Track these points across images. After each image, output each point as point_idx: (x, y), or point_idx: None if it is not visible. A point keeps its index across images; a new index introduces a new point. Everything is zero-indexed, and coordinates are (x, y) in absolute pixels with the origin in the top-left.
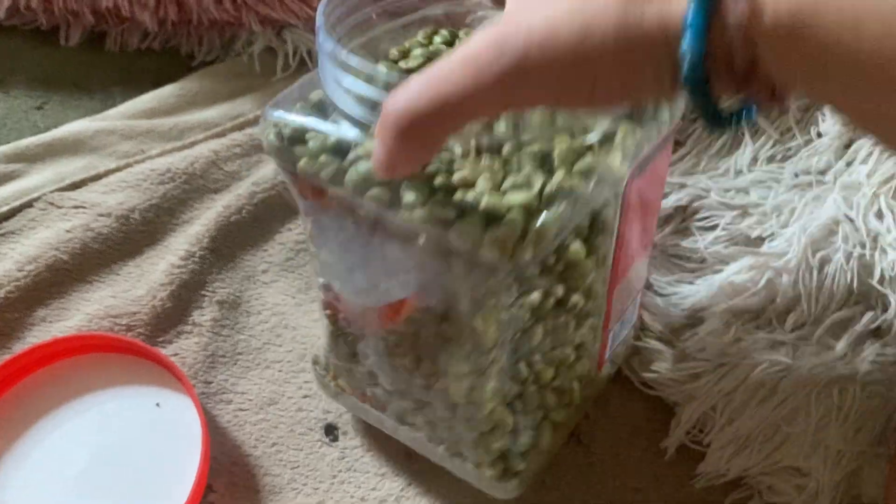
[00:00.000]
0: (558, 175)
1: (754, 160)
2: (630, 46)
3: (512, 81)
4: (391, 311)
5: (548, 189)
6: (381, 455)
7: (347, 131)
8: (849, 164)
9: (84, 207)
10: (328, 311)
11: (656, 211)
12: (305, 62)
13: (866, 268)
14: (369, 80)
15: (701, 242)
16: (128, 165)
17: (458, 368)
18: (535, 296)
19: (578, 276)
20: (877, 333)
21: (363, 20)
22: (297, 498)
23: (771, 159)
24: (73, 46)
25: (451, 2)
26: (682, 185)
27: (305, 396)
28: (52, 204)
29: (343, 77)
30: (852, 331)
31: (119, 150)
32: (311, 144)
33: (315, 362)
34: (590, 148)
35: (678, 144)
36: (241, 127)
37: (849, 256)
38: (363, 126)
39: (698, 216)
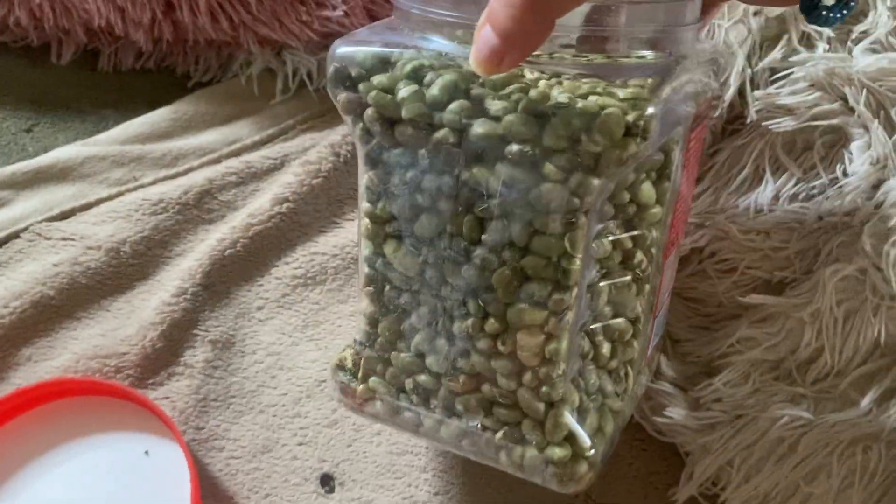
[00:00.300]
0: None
1: (776, 199)
2: None
3: None
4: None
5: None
6: None
7: (434, 45)
8: (878, 206)
9: (73, 239)
10: (372, 287)
11: (691, 195)
12: (305, 84)
13: (894, 320)
14: None
15: (719, 286)
16: (119, 194)
17: (534, 316)
18: (606, 244)
19: (647, 225)
20: None
21: None
22: None
23: (793, 198)
24: (65, 65)
25: None
26: (700, 225)
27: (301, 444)
28: (39, 235)
29: None
30: (878, 386)
31: (110, 177)
32: (385, 74)
33: (340, 366)
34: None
35: (697, 181)
36: (237, 153)
37: (876, 308)
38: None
39: (716, 258)
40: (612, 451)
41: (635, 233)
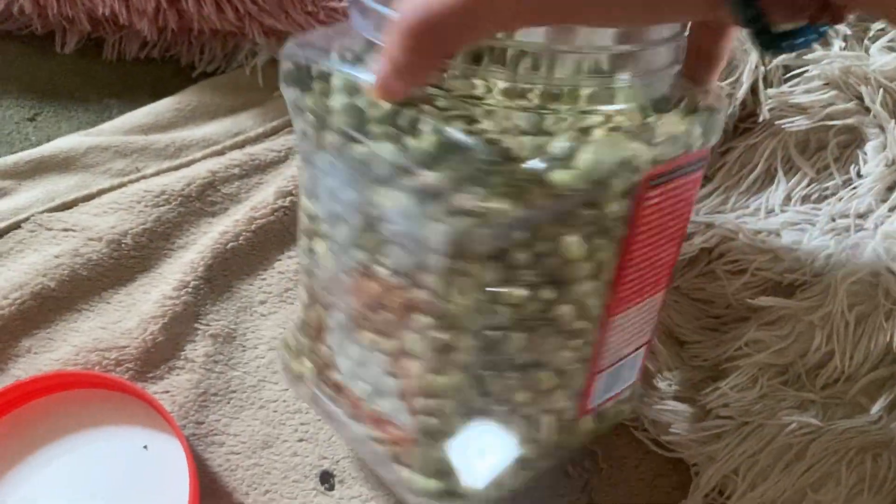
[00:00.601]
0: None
1: (787, 199)
2: None
3: None
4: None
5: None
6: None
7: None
8: (892, 209)
9: (74, 230)
10: (305, 277)
11: (675, 248)
12: None
13: None
14: None
15: (728, 288)
16: (121, 185)
17: (416, 347)
18: (521, 292)
19: (571, 279)
20: None
21: None
22: None
23: (805, 199)
24: (69, 54)
25: None
26: (709, 225)
27: (301, 440)
28: (41, 225)
29: None
30: (889, 392)
31: (113, 168)
32: (324, 81)
33: (286, 344)
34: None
35: (706, 179)
36: (241, 145)
37: (889, 313)
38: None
39: (725, 259)
40: (524, 492)
41: (554, 289)
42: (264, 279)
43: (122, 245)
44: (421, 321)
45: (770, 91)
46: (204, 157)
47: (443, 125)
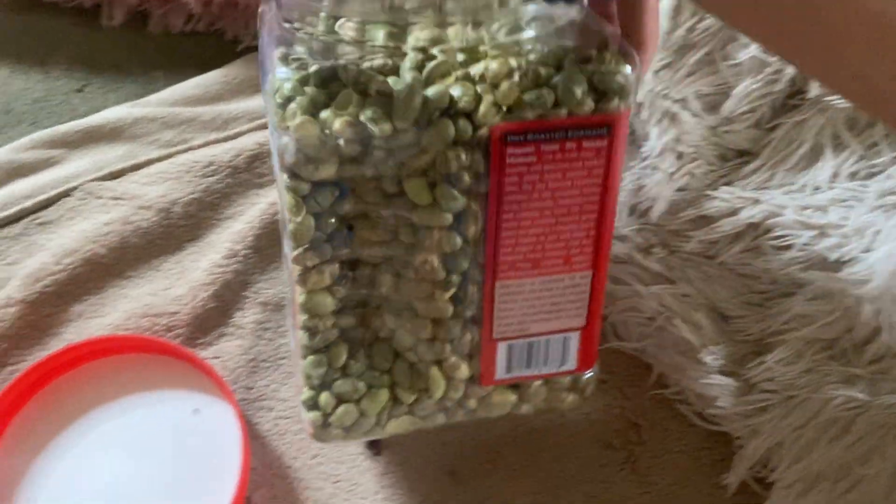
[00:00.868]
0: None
1: (835, 176)
2: None
3: None
4: None
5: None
6: (425, 472)
7: None
8: None
9: (123, 199)
10: None
11: (588, 225)
12: None
13: None
14: None
15: (774, 263)
16: (169, 156)
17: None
18: (380, 231)
19: (425, 225)
20: None
21: None
22: None
23: (853, 176)
24: (116, 27)
25: None
26: (756, 201)
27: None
28: (90, 194)
29: None
30: None
31: (160, 138)
32: None
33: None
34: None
35: (751, 155)
36: None
37: None
38: None
39: (772, 234)
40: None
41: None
42: None
43: (172, 214)
44: (286, 242)
45: None
46: (250, 130)
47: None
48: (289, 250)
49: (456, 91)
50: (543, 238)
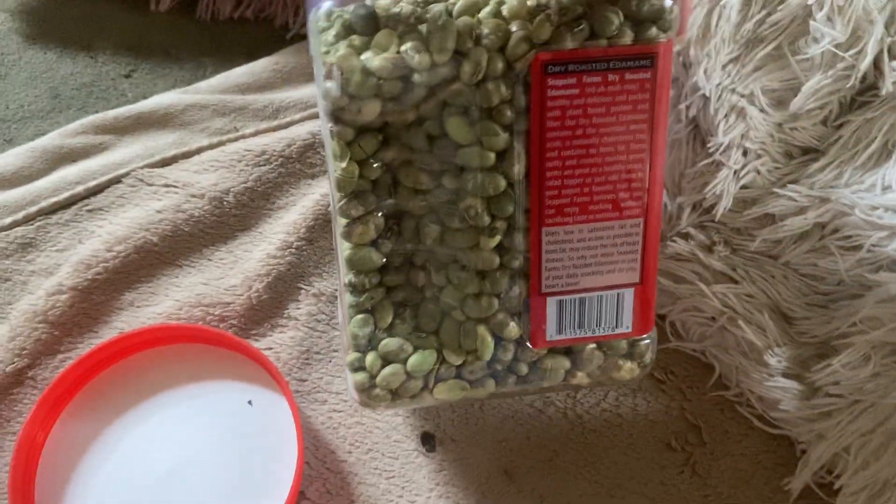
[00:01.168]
0: None
1: None
2: None
3: None
4: None
5: None
6: (480, 470)
7: None
8: None
9: (175, 187)
10: None
11: (636, 165)
12: None
13: None
14: None
15: (841, 264)
16: (221, 143)
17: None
18: (424, 177)
19: (468, 166)
20: None
21: None
22: None
23: None
24: (163, 12)
25: None
26: (824, 200)
27: (408, 407)
28: (141, 181)
29: None
30: None
31: (211, 126)
32: None
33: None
34: None
35: (818, 153)
36: None
37: None
38: None
39: (840, 234)
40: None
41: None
42: None
43: (224, 203)
44: (334, 194)
45: (895, 63)
46: (302, 119)
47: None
48: (335, 204)
49: (485, 20)
50: (590, 180)
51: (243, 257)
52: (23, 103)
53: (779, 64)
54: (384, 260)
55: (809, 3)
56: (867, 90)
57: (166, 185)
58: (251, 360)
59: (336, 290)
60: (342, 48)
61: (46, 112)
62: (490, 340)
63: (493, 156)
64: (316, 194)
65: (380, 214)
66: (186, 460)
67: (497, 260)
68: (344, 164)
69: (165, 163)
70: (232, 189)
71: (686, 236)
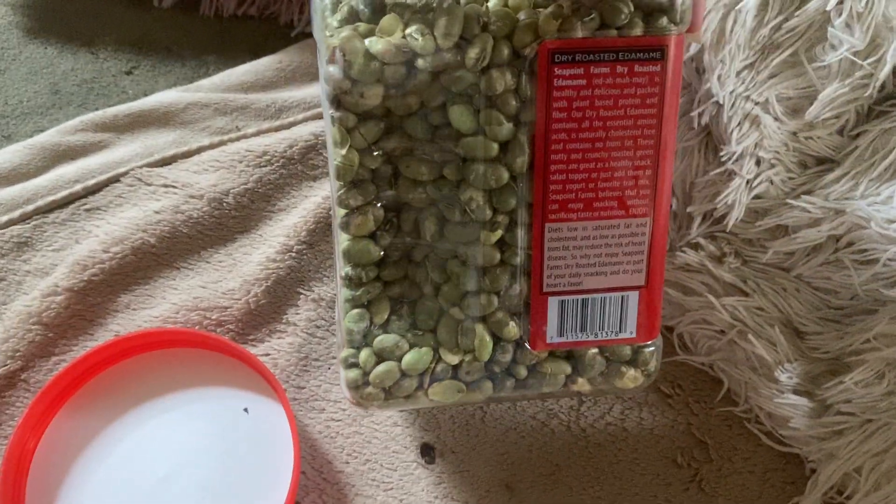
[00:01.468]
0: None
1: None
2: None
3: None
4: None
5: None
6: (480, 484)
7: None
8: None
9: (175, 187)
10: None
11: (644, 162)
12: None
13: None
14: None
15: (856, 278)
16: (221, 143)
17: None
18: (425, 168)
19: (470, 157)
20: None
21: None
22: None
23: None
24: (166, 8)
25: None
26: (839, 212)
27: (402, 410)
28: (140, 180)
29: None
30: None
31: (212, 125)
32: None
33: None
34: None
35: (833, 163)
36: None
37: None
38: None
39: (855, 248)
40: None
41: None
42: None
43: (224, 204)
44: (334, 183)
45: None
46: (305, 120)
47: None
48: (334, 193)
49: (493, 8)
50: (596, 175)
51: (242, 260)
52: (22, 99)
53: (795, 71)
54: (382, 253)
55: (828, 8)
56: (885, 100)
57: (165, 186)
58: (248, 366)
59: (336, 295)
60: (346, 31)
61: (46, 108)
62: (489, 340)
63: (496, 146)
64: (317, 197)
65: (379, 205)
66: (180, 467)
67: (498, 256)
68: (344, 152)
69: (165, 162)
70: (232, 190)
71: (696, 246)
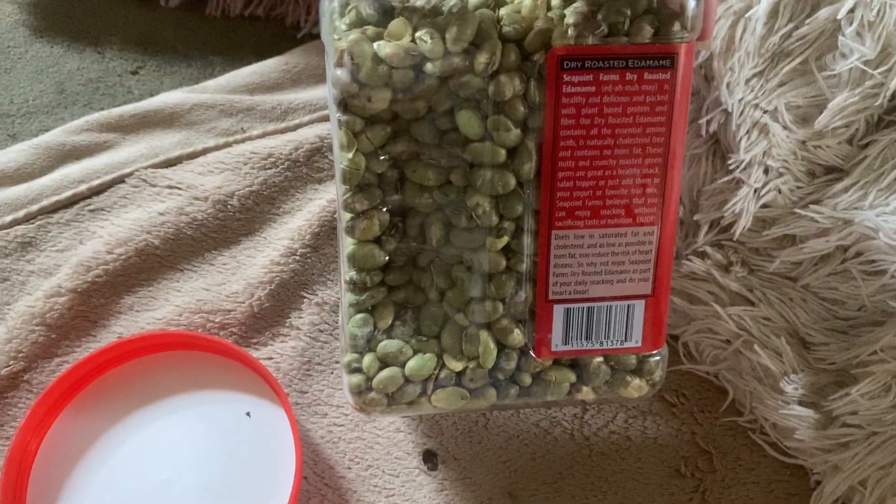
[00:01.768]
0: None
1: None
2: None
3: None
4: None
5: None
6: (483, 491)
7: None
8: None
9: (179, 188)
10: None
11: (652, 171)
12: None
13: None
14: None
15: (863, 289)
16: (227, 145)
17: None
18: (431, 173)
19: (478, 163)
20: None
21: None
22: None
23: None
24: (173, 8)
25: None
26: (847, 222)
27: (405, 416)
28: (144, 181)
29: None
30: None
31: (218, 127)
32: None
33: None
34: None
35: (842, 172)
36: None
37: None
38: None
39: (863, 258)
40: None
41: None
42: None
43: (228, 206)
44: (339, 187)
45: None
46: (311, 122)
47: None
48: (340, 197)
49: (504, 12)
50: (603, 183)
51: (246, 263)
52: (28, 98)
53: (804, 80)
54: (387, 258)
55: (839, 17)
56: (895, 109)
57: (170, 187)
58: (251, 370)
59: (339, 299)
60: (354, 34)
61: (52, 107)
62: (493, 347)
63: (503, 152)
64: (322, 200)
65: (385, 210)
66: (181, 470)
67: (504, 262)
68: (350, 155)
69: (170, 163)
70: (236, 192)
71: (702, 255)
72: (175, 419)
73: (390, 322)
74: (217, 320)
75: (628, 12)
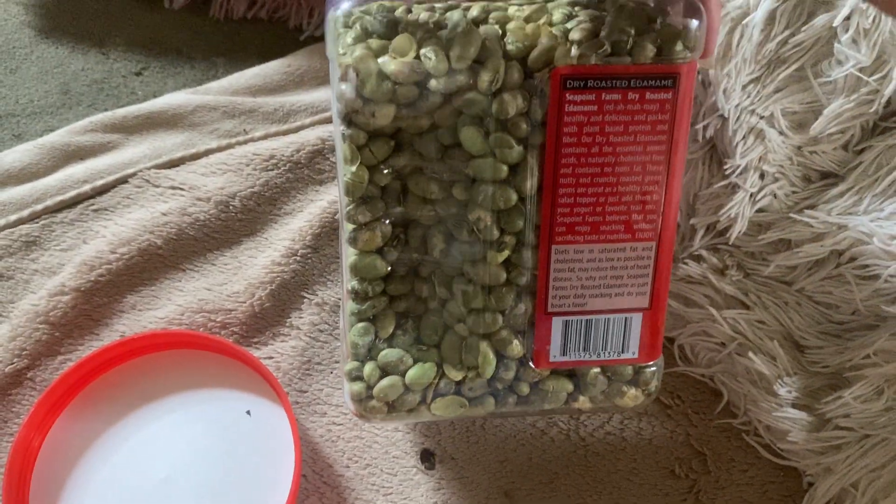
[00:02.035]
0: None
1: None
2: None
3: None
4: None
5: None
6: (480, 491)
7: None
8: None
9: (182, 189)
10: None
11: (652, 188)
12: None
13: None
14: None
15: (857, 293)
16: (229, 146)
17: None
18: (434, 187)
19: (480, 178)
20: None
21: None
22: None
23: None
24: (177, 10)
25: None
26: (841, 227)
27: (405, 422)
28: (148, 182)
29: None
30: None
31: (220, 128)
32: None
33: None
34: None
35: (837, 178)
36: None
37: None
38: None
39: (857, 263)
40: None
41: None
42: None
43: (230, 207)
44: (342, 199)
45: None
46: (312, 124)
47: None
48: (342, 209)
49: (509, 30)
50: (603, 199)
51: (247, 263)
52: (32, 98)
53: (800, 86)
54: (389, 268)
55: (834, 24)
56: (890, 116)
57: (172, 187)
58: (251, 369)
59: (339, 299)
60: (359, 50)
61: (56, 108)
62: (492, 357)
63: (505, 168)
64: (323, 201)
65: (387, 222)
66: (182, 468)
67: (504, 275)
68: (354, 169)
69: (173, 164)
70: (238, 193)
71: (698, 258)
72: (176, 417)
73: (391, 331)
74: (218, 320)
75: (632, 31)
